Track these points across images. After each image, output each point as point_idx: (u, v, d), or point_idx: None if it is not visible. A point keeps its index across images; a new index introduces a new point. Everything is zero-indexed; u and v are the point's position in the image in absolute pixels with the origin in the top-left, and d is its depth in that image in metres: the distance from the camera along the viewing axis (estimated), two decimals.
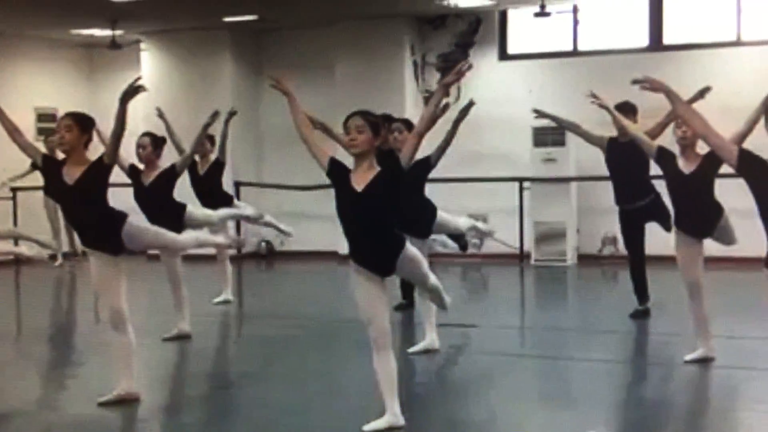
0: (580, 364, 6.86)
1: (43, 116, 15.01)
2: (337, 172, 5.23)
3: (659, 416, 5.67)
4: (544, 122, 12.54)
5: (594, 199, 12.91)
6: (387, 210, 5.07)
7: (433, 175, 11.77)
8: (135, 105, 15.54)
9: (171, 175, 8.01)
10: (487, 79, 13.40)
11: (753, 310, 8.29)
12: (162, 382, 6.88)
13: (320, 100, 14.09)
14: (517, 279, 12.28)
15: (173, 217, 7.74)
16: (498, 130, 13.08)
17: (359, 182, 5.11)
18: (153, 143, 8.07)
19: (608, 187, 12.62)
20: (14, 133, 5.96)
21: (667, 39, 12.71)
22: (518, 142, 12.85)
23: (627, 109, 8.50)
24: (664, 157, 6.76)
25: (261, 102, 14.66)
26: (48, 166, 6.08)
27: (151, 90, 14.28)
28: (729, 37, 12.34)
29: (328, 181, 14.88)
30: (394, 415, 5.13)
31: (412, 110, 13.57)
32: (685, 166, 6.66)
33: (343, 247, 14.97)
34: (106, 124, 15.43)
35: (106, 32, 13.42)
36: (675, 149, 6.79)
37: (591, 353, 7.18)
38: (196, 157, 9.09)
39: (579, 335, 7.75)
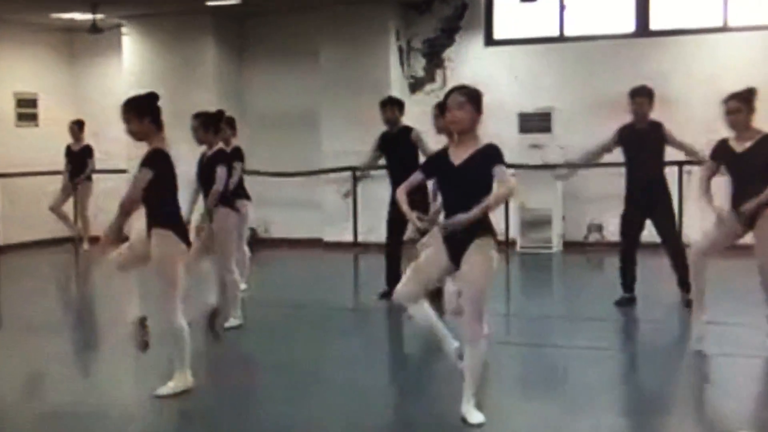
0: (566, 352, 6.88)
1: (23, 101, 14.92)
2: (435, 167, 5.31)
3: (647, 402, 5.70)
4: (531, 108, 12.59)
5: (580, 186, 12.92)
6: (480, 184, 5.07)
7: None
8: (116, 90, 15.54)
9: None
10: (472, 65, 13.39)
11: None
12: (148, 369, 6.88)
13: (304, 85, 14.08)
14: (503, 266, 12.28)
15: None
16: (483, 116, 13.06)
17: (458, 156, 5.15)
18: (202, 124, 7.89)
19: (594, 174, 12.74)
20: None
21: (654, 25, 12.71)
22: (504, 128, 12.78)
23: (645, 93, 8.46)
24: (719, 151, 6.75)
25: (245, 87, 14.60)
26: None
27: (133, 75, 14.43)
28: (715, 23, 12.36)
29: (313, 168, 15.06)
30: None
31: (398, 95, 13.51)
32: (737, 146, 6.66)
33: (329, 234, 15.05)
34: (84, 108, 15.41)
35: (87, 16, 13.32)
36: None
37: (577, 341, 7.21)
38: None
39: (565, 323, 7.77)
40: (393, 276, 9.05)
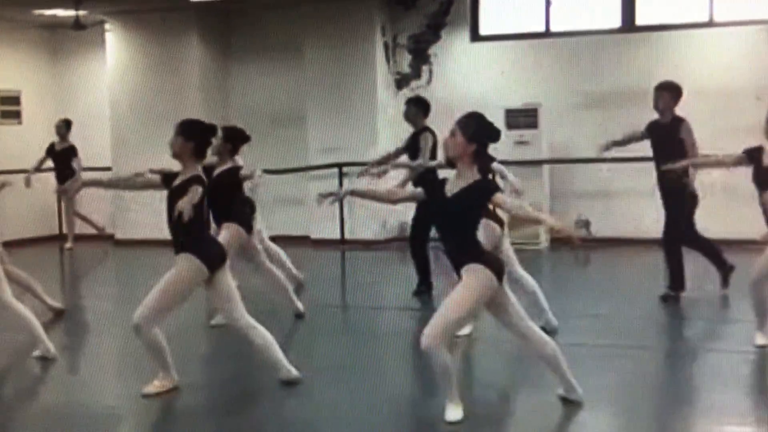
0: None
1: (6, 99, 14.85)
2: (433, 193, 5.31)
3: (636, 399, 5.74)
4: (517, 104, 12.60)
5: (567, 182, 12.97)
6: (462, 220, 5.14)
7: (404, 160, 11.79)
8: (100, 88, 15.51)
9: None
10: (458, 61, 13.40)
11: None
12: (134, 367, 6.88)
13: (290, 81, 14.06)
14: None
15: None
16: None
17: (454, 187, 5.18)
18: (223, 137, 7.93)
19: (581, 169, 12.79)
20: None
21: (640, 20, 12.74)
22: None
23: (663, 87, 8.49)
24: (754, 157, 6.76)
25: (229, 84, 14.57)
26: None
27: (116, 72, 14.39)
28: (701, 18, 12.40)
29: (299, 165, 14.98)
30: None
31: (383, 92, 13.55)
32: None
33: (316, 231, 15.04)
34: (67, 106, 15.36)
35: (70, 12, 13.25)
36: None
37: (564, 337, 7.22)
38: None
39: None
40: (424, 272, 9.17)
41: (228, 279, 5.90)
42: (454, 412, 5.17)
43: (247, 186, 8.38)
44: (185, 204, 5.47)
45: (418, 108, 9.23)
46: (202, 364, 7.27)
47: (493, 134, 5.26)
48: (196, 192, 5.62)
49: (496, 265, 5.16)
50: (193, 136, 5.90)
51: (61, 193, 13.48)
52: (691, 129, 8.33)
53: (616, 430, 5.24)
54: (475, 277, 5.06)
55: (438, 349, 5.03)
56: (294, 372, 6.04)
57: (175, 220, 5.68)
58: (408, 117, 9.25)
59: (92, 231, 14.18)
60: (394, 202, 5.80)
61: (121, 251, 13.88)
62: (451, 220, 5.17)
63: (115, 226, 14.47)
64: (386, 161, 9.35)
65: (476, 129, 5.19)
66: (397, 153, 9.35)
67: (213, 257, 5.81)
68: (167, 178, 5.98)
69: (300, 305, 8.31)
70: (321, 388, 6.12)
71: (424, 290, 9.17)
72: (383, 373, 6.77)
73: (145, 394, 5.86)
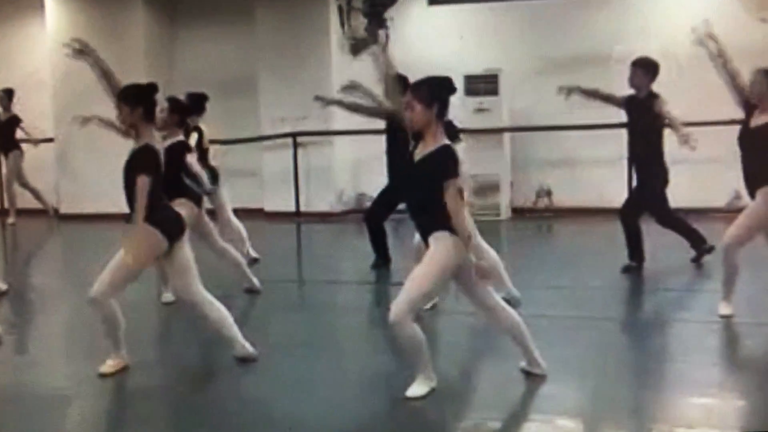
0: None
1: None
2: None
3: (600, 370, 5.85)
4: (477, 70, 12.65)
5: (528, 150, 13.10)
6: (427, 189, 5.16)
7: (361, 126, 11.90)
8: (39, 55, 15.29)
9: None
10: (416, 25, 13.43)
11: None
12: (74, 347, 6.89)
13: (240, 48, 13.99)
14: None
15: None
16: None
17: (419, 153, 5.24)
18: (169, 108, 7.89)
19: (542, 137, 12.90)
20: None
21: None
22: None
23: (636, 63, 8.59)
24: (748, 108, 6.86)
25: (176, 51, 14.48)
26: None
27: (57, 38, 14.19)
28: None
29: (251, 135, 14.86)
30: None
31: (338, 57, 13.54)
32: (754, 120, 6.79)
33: (270, 203, 15.03)
34: (5, 73, 15.13)
35: None
36: None
37: (527, 309, 7.33)
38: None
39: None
40: (381, 247, 9.24)
41: (186, 251, 5.93)
42: (418, 388, 5.26)
43: (211, 155, 8.42)
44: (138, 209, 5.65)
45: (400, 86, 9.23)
46: (155, 342, 7.29)
47: (449, 89, 5.28)
48: (143, 187, 5.65)
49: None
50: (137, 101, 5.88)
51: None
52: (665, 102, 8.42)
53: (581, 402, 5.35)
54: (443, 245, 5.12)
55: (406, 322, 5.11)
56: (250, 348, 6.09)
57: (131, 191, 5.73)
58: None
59: (36, 206, 14.08)
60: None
61: (67, 226, 13.78)
62: (417, 186, 5.22)
63: (59, 200, 14.36)
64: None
65: (431, 91, 5.21)
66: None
67: (172, 228, 5.84)
68: None
69: (256, 281, 8.36)
70: (279, 365, 6.17)
71: (382, 263, 9.24)
72: (342, 349, 6.85)
73: (102, 373, 5.89)
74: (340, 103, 8.94)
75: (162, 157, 5.89)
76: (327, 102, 9.30)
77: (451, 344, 6.79)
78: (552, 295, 7.99)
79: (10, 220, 13.75)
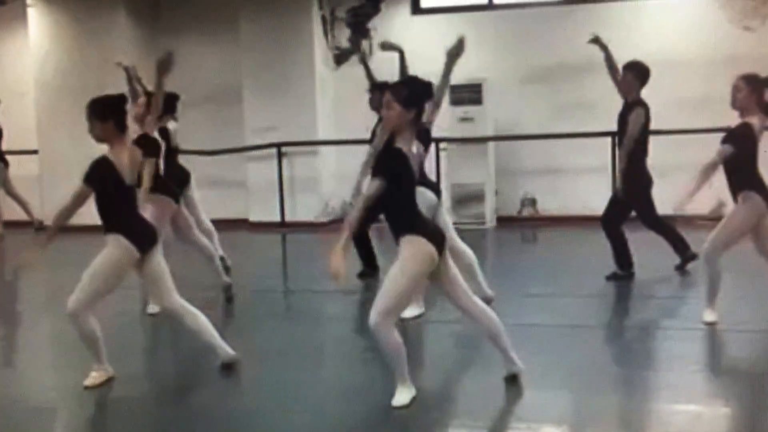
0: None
1: None
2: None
3: (585, 379, 5.89)
4: (461, 80, 12.65)
5: (513, 159, 13.15)
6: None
7: (346, 136, 11.90)
8: (22, 66, 15.24)
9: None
10: (399, 35, 13.39)
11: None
12: (59, 359, 6.89)
13: (224, 58, 14.00)
14: None
15: None
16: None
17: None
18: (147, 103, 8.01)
19: (527, 146, 12.96)
20: None
21: None
22: None
23: (626, 67, 8.61)
24: (746, 135, 6.80)
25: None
26: None
27: (40, 49, 14.20)
28: None
29: (235, 146, 14.86)
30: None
31: (322, 67, 13.57)
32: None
33: (255, 214, 15.01)
34: None
35: None
36: None
37: (512, 317, 7.37)
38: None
39: (499, 299, 7.92)
40: (368, 256, 9.29)
41: (160, 260, 5.97)
42: (402, 396, 5.29)
43: None
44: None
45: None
46: (140, 353, 7.29)
47: (427, 92, 5.36)
48: (76, 192, 5.71)
49: (435, 236, 5.26)
50: (107, 114, 5.87)
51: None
52: (640, 115, 8.47)
53: (566, 411, 5.39)
54: (411, 248, 5.17)
55: (385, 328, 5.15)
56: (230, 351, 6.14)
57: (104, 204, 5.78)
58: (373, 104, 9.22)
59: (20, 218, 14.06)
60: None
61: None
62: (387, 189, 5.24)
63: (43, 212, 14.32)
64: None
65: (409, 93, 5.25)
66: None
67: (143, 238, 5.87)
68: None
69: (226, 278, 8.48)
70: (265, 374, 6.20)
71: (369, 273, 9.27)
72: (328, 358, 6.88)
73: (87, 386, 5.89)
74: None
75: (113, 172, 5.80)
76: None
77: (437, 353, 6.82)
78: (537, 304, 8.03)
79: None
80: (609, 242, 8.74)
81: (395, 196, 5.19)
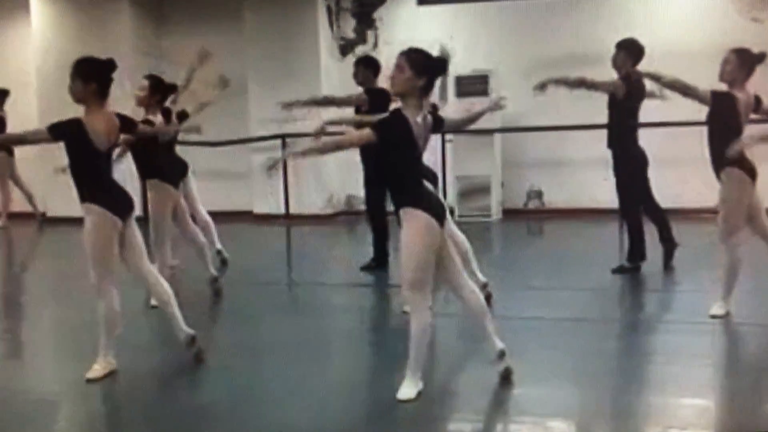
0: (504, 323, 7.06)
1: None
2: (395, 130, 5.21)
3: (589, 373, 5.90)
4: (467, 70, 12.69)
5: (519, 151, 13.15)
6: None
7: (350, 128, 11.79)
8: (25, 56, 15.24)
9: None
10: (405, 25, 13.46)
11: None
12: (69, 352, 6.91)
13: (229, 49, 13.94)
14: None
15: None
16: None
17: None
18: (150, 87, 8.03)
19: (533, 138, 12.95)
20: None
21: None
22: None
23: (618, 45, 8.56)
24: (724, 103, 6.83)
25: (164, 52, 14.47)
26: None
27: (42, 38, 14.20)
28: None
29: (240, 136, 14.86)
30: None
31: (327, 58, 13.57)
32: None
33: (259, 206, 15.02)
34: None
35: None
36: None
37: (516, 310, 7.39)
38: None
39: (505, 292, 7.93)
40: (381, 240, 9.34)
41: (135, 230, 5.99)
42: (408, 390, 5.29)
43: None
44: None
45: (367, 68, 9.32)
46: (143, 346, 7.29)
47: (442, 66, 5.31)
48: (36, 130, 5.84)
49: (435, 207, 5.26)
50: (92, 77, 5.82)
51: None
52: (619, 85, 8.41)
53: (571, 404, 5.39)
54: (413, 222, 5.18)
55: (416, 305, 5.22)
56: (189, 330, 6.19)
57: (77, 170, 5.80)
58: (357, 78, 9.31)
59: (24, 209, 14.10)
60: (348, 146, 5.57)
61: (55, 229, 13.77)
62: (382, 157, 5.27)
63: (46, 204, 14.36)
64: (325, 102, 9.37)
65: (425, 62, 5.22)
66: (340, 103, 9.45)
67: (119, 205, 5.87)
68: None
69: (214, 270, 8.50)
70: (267, 369, 6.21)
71: (374, 265, 9.28)
72: (332, 351, 6.89)
73: (89, 378, 5.91)
74: (312, 103, 9.14)
75: (92, 134, 5.76)
76: (295, 106, 9.36)
77: (439, 346, 6.82)
78: (542, 296, 8.04)
79: (0, 223, 13.77)
80: (627, 230, 8.70)
81: (395, 163, 5.20)
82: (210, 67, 13.99)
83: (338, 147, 5.59)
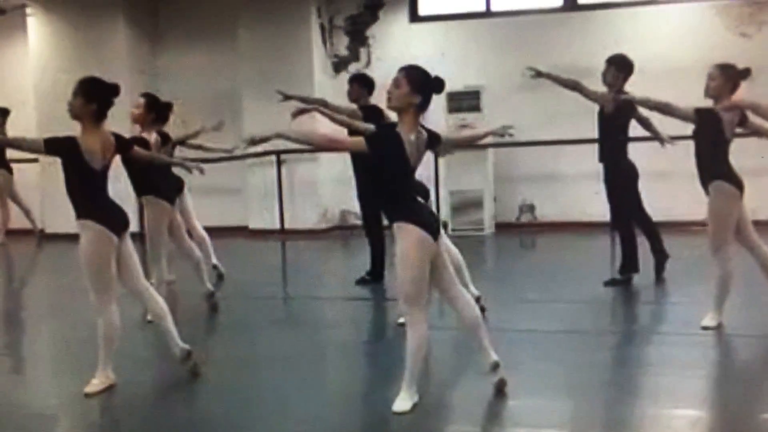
0: (499, 335, 7.07)
1: None
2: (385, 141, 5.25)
3: (584, 383, 5.91)
4: (459, 86, 12.72)
5: (511, 166, 13.18)
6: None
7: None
8: (22, 75, 15.21)
9: None
10: (397, 42, 13.51)
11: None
12: (68, 366, 6.90)
13: (223, 66, 14.04)
14: None
15: None
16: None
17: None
18: (146, 105, 8.07)
19: (525, 153, 12.98)
20: None
21: None
22: (431, 108, 12.96)
23: (608, 61, 8.63)
24: (707, 121, 6.88)
25: (159, 69, 14.50)
26: None
27: (40, 57, 14.23)
28: None
29: (236, 153, 14.83)
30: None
31: (321, 76, 13.60)
32: None
33: (254, 221, 15.03)
34: None
35: None
36: None
37: (509, 323, 7.39)
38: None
39: (499, 305, 7.94)
40: (377, 255, 9.34)
41: (130, 246, 6.01)
42: (403, 403, 5.29)
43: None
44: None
45: (362, 86, 9.34)
46: (140, 360, 7.29)
47: (439, 86, 5.36)
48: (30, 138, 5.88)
49: (428, 221, 5.28)
50: (95, 97, 5.85)
51: None
52: (607, 98, 8.46)
53: (565, 416, 5.40)
54: (405, 237, 5.20)
55: (412, 317, 5.22)
56: (184, 346, 6.18)
57: (72, 187, 5.82)
58: (351, 96, 9.33)
59: (23, 226, 14.10)
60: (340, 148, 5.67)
61: (53, 246, 13.77)
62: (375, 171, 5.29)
63: (44, 220, 14.36)
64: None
65: (423, 80, 5.28)
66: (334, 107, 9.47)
67: (114, 221, 5.88)
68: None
69: (210, 285, 8.50)
70: (263, 382, 6.21)
71: (369, 280, 9.28)
72: (327, 364, 6.89)
73: (87, 393, 5.91)
74: (310, 100, 9.24)
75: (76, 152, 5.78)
76: (293, 98, 9.43)
77: (434, 358, 6.82)
78: (535, 309, 8.04)
79: None
80: (620, 242, 8.73)
81: (387, 179, 5.23)
82: (203, 83, 14.10)
83: (330, 143, 5.62)
